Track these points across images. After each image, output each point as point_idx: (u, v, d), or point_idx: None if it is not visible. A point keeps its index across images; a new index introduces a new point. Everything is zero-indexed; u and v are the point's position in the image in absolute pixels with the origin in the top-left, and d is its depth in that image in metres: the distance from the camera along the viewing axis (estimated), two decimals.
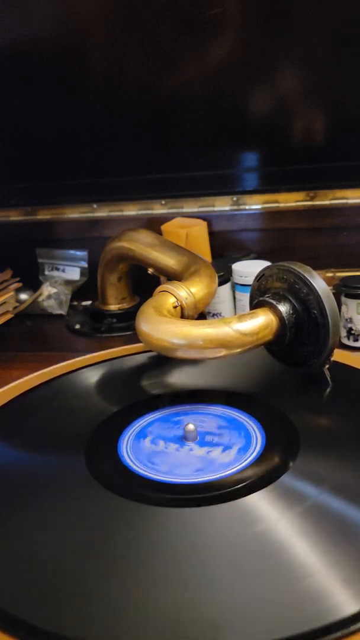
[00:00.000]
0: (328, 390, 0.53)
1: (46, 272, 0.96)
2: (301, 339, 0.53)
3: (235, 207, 0.88)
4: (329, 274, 0.79)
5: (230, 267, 0.74)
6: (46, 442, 0.49)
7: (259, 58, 0.76)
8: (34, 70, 0.81)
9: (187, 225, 0.84)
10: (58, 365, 0.62)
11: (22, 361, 0.72)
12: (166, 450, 0.46)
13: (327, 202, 0.85)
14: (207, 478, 0.43)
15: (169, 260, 0.70)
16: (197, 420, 0.50)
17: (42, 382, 0.59)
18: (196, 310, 0.59)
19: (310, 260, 0.65)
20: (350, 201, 0.84)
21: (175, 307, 0.57)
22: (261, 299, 0.53)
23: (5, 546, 0.37)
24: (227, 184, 0.89)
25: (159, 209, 0.91)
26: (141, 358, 0.63)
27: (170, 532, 0.37)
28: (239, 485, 0.41)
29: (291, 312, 0.52)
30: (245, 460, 0.44)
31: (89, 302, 0.89)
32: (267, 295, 0.53)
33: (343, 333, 0.66)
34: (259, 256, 0.83)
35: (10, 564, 0.36)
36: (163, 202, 0.91)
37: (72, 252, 0.94)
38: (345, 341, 0.67)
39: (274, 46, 0.75)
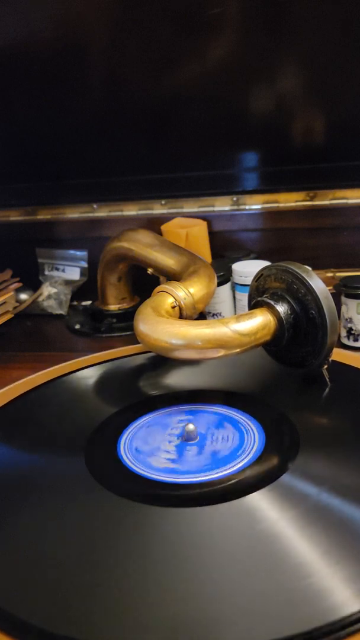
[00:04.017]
0: (328, 390, 0.53)
1: (46, 272, 0.96)
2: (299, 339, 0.53)
3: (235, 207, 0.88)
4: (329, 274, 0.79)
5: (230, 267, 0.75)
6: (46, 442, 0.49)
7: (259, 58, 0.76)
8: (34, 70, 0.81)
9: (187, 225, 0.84)
10: (58, 366, 0.62)
11: (22, 361, 0.72)
12: (166, 450, 0.46)
13: (327, 202, 0.85)
14: (207, 478, 0.43)
15: (168, 261, 0.70)
16: (197, 420, 0.50)
17: (42, 382, 0.59)
18: (195, 310, 0.59)
19: (310, 260, 0.65)
20: (350, 201, 0.84)
21: (173, 307, 0.57)
22: (259, 299, 0.53)
23: (6, 546, 0.37)
24: (227, 184, 0.89)
25: (159, 209, 0.91)
26: (141, 358, 0.63)
27: (170, 531, 0.38)
28: (239, 485, 0.41)
29: (289, 312, 0.52)
30: (245, 460, 0.44)
31: (89, 302, 0.89)
32: (265, 296, 0.53)
33: (343, 333, 0.67)
34: (259, 256, 0.83)
35: (10, 564, 0.36)
36: (163, 202, 0.91)
37: (72, 252, 0.94)
38: (345, 341, 0.67)
39: (274, 46, 0.75)
